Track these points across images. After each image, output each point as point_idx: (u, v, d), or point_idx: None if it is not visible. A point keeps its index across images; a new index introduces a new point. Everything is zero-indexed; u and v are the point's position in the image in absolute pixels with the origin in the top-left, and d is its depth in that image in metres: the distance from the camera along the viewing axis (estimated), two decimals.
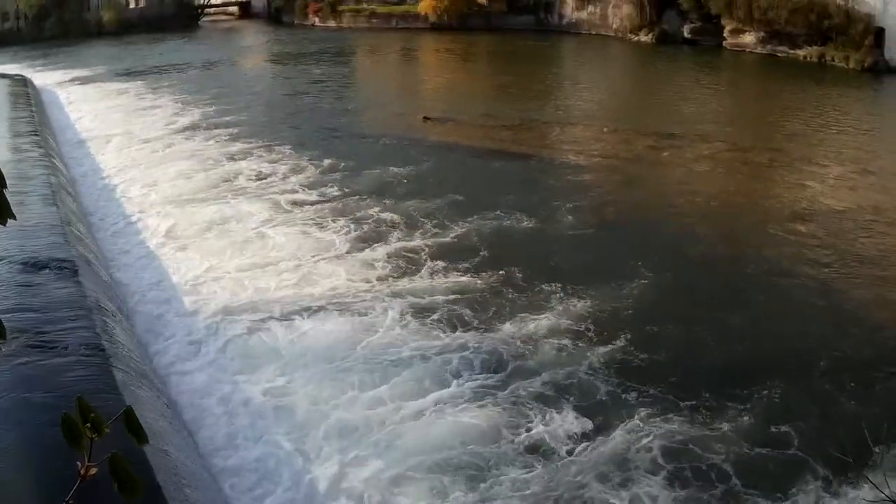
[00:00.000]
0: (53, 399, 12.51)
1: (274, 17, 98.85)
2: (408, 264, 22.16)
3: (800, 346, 18.13)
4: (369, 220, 25.58)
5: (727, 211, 27.78)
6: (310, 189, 29.07)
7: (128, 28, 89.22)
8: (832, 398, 15.94)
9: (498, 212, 25.99)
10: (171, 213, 27.22)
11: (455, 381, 16.34)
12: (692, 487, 13.43)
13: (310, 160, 32.87)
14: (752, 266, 22.68)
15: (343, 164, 32.24)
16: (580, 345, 17.76)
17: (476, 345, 17.69)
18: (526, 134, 38.75)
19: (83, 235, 23.12)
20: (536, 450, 14.32)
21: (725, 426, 14.90)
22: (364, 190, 28.76)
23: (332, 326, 18.71)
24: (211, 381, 16.67)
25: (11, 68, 63.04)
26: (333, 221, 25.64)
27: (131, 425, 2.70)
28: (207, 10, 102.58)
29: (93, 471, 2.61)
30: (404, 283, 20.88)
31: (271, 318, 19.20)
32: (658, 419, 15.04)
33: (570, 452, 14.23)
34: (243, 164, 32.95)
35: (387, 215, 25.99)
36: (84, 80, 58.56)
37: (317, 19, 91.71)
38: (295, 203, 27.63)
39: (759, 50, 62.27)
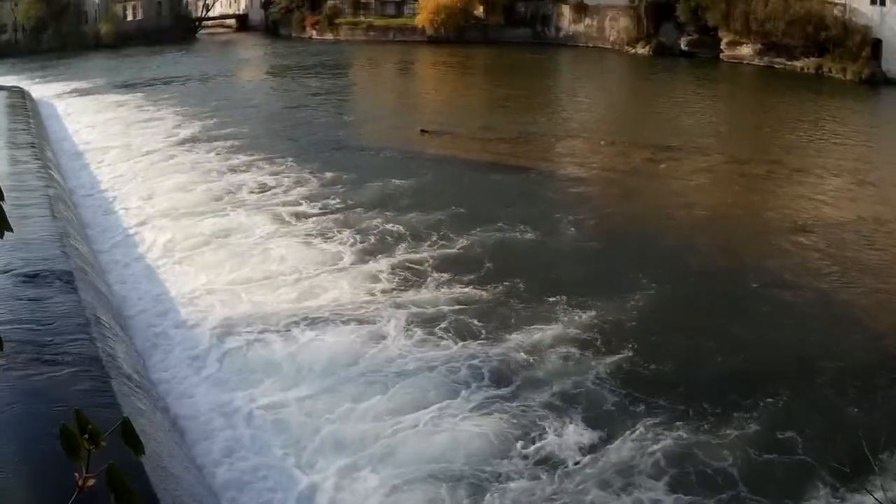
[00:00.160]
0: (51, 411, 12.46)
1: (271, 30, 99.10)
2: (413, 276, 22.12)
3: (802, 355, 18.17)
4: (372, 232, 25.53)
5: (726, 223, 27.80)
6: (312, 201, 29.00)
7: (125, 40, 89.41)
8: (835, 406, 16.00)
9: (500, 224, 25.96)
10: (171, 225, 27.12)
11: (463, 392, 16.30)
12: (699, 494, 13.42)
13: (311, 172, 32.85)
14: (753, 277, 22.69)
15: (344, 176, 32.23)
16: (587, 354, 17.80)
17: (483, 355, 17.69)
18: (524, 147, 38.77)
19: (81, 248, 23.07)
20: (544, 460, 14.28)
21: (731, 434, 14.93)
22: (365, 202, 28.72)
23: (336, 338, 18.63)
24: (210, 394, 16.60)
25: (9, 80, 63.03)
26: (337, 233, 25.56)
27: (128, 437, 2.70)
28: (205, 22, 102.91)
29: (91, 482, 2.60)
30: (410, 295, 20.84)
31: (273, 330, 19.10)
32: (664, 428, 15.06)
33: (577, 463, 14.20)
34: (244, 176, 32.91)
35: (389, 227, 25.93)
36: (82, 92, 58.67)
37: (314, 32, 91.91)
38: (297, 215, 27.56)
39: (756, 62, 62.45)
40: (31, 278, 18.50)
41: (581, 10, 76.29)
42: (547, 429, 15.09)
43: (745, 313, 20.43)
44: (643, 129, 42.34)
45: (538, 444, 14.69)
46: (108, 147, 39.66)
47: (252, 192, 30.56)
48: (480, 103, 52.77)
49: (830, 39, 57.51)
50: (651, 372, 17.23)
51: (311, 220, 27.09)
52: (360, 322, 19.38)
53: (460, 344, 18.23)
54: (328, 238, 25.27)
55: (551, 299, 20.33)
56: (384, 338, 18.57)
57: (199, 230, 26.39)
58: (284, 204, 28.93)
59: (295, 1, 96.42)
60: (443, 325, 19.17)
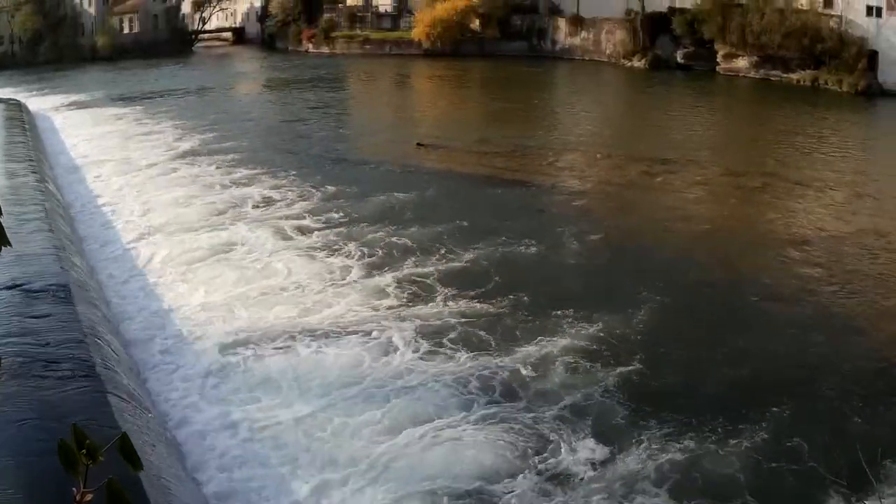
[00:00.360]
0: (48, 425, 12.42)
1: (268, 43, 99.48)
2: (421, 290, 22.04)
3: (804, 367, 18.16)
4: (375, 246, 25.36)
5: (724, 236, 27.83)
6: (315, 215, 28.84)
7: (122, 53, 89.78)
8: (838, 417, 16.01)
9: (503, 237, 25.85)
10: (172, 239, 26.95)
11: (475, 404, 16.26)
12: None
13: (312, 186, 32.75)
14: (752, 289, 22.72)
15: (346, 189, 32.14)
16: (595, 367, 17.77)
17: (493, 366, 17.66)
18: (521, 160, 38.80)
19: (79, 262, 23.02)
20: (555, 473, 14.22)
21: (736, 444, 14.90)
22: (368, 216, 28.61)
23: (345, 351, 18.59)
24: (210, 409, 16.50)
25: (6, 92, 63.13)
26: (341, 247, 25.46)
27: (126, 451, 2.69)
28: (201, 35, 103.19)
29: (88, 497, 2.60)
30: (417, 309, 20.77)
31: (277, 343, 19.02)
32: (672, 439, 15.04)
33: (587, 475, 14.16)
34: (245, 189, 32.79)
35: (393, 241, 25.82)
36: (80, 105, 58.77)
37: (310, 45, 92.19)
38: (300, 229, 27.46)
39: (752, 74, 62.71)
40: (28, 292, 18.45)
41: (577, 24, 76.61)
42: (558, 441, 15.03)
43: (746, 325, 20.48)
44: (640, 143, 42.41)
45: (548, 457, 14.64)
46: (106, 160, 39.53)
47: (256, 207, 30.44)
48: (477, 117, 52.88)
49: (826, 51, 57.78)
50: (658, 384, 17.25)
51: (314, 234, 26.94)
52: (368, 334, 19.32)
53: (469, 356, 18.17)
54: (334, 251, 25.17)
55: (557, 312, 20.28)
56: (393, 350, 18.52)
57: (200, 244, 26.24)
58: (287, 217, 28.84)
59: (291, 14, 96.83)
60: (451, 335, 19.16)
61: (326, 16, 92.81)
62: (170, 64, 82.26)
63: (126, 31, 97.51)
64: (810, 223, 28.52)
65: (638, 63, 69.89)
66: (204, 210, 30.16)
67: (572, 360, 18.00)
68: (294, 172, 35.45)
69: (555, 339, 18.92)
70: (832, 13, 58.92)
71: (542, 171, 37.22)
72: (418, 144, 41.45)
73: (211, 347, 19.00)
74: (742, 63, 63.81)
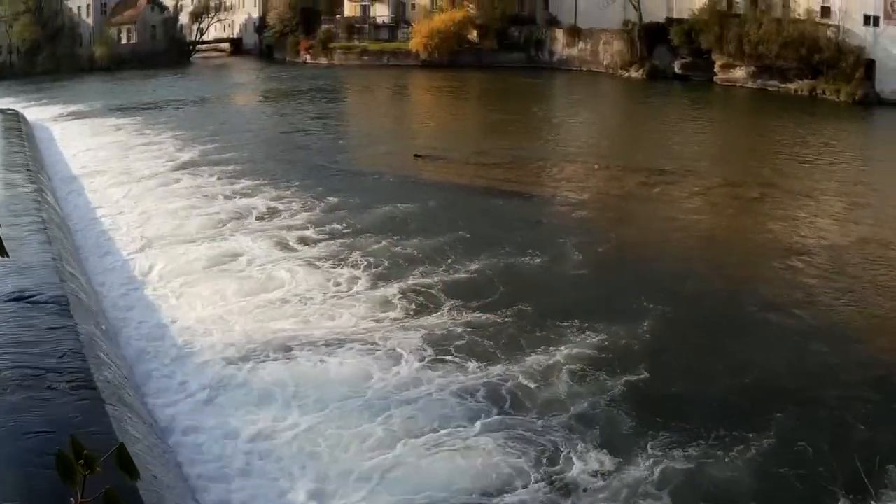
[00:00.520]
0: (46, 435, 12.39)
1: (265, 54, 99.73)
2: (426, 301, 22.02)
3: (804, 375, 18.27)
4: (378, 257, 25.29)
5: (723, 246, 27.96)
6: (317, 226, 28.80)
7: (119, 63, 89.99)
8: (839, 424, 16.04)
9: (505, 248, 25.82)
10: (170, 250, 26.87)
11: (483, 413, 16.24)
12: None
13: (313, 197, 32.73)
14: (751, 299, 22.78)
15: (349, 200, 32.16)
16: (601, 376, 17.78)
17: (502, 375, 17.66)
18: (518, 171, 38.85)
19: (77, 273, 22.97)
20: (563, 481, 14.20)
21: (740, 452, 14.93)
22: (370, 227, 28.58)
23: (350, 361, 18.56)
24: (208, 419, 16.43)
25: (4, 102, 63.24)
26: (345, 258, 25.40)
27: (123, 461, 2.68)
28: (199, 46, 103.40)
29: None
30: (424, 319, 20.76)
31: (278, 354, 18.95)
32: (675, 447, 15.06)
33: (595, 483, 14.16)
34: (246, 201, 32.76)
35: (396, 251, 25.81)
36: (78, 115, 58.84)
37: (308, 56, 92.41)
38: (303, 239, 27.39)
39: (749, 84, 62.89)
40: (26, 304, 18.41)
41: (575, 35, 76.89)
42: (567, 450, 15.01)
43: (747, 334, 20.56)
44: (638, 153, 42.52)
45: (556, 466, 14.62)
46: (105, 171, 39.48)
47: (259, 218, 30.40)
48: (474, 128, 53.00)
49: (824, 61, 57.99)
50: (662, 393, 17.32)
51: (318, 244, 26.86)
52: (374, 345, 19.30)
53: (476, 366, 18.16)
54: (339, 262, 25.11)
55: (562, 322, 20.30)
56: (400, 360, 18.49)
57: (202, 254, 26.17)
58: (290, 228, 28.80)
59: (289, 25, 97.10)
60: (459, 343, 19.20)
61: (324, 27, 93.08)
62: (168, 74, 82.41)
63: (124, 41, 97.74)
64: (809, 233, 28.59)
65: (635, 73, 70.14)
66: (206, 221, 30.08)
67: (578, 369, 18.01)
68: (296, 183, 35.43)
69: (560, 348, 18.93)
70: (829, 23, 59.12)
71: (541, 182, 37.29)
72: (416, 156, 41.43)
73: (212, 359, 18.89)
74: (739, 73, 64.01)
